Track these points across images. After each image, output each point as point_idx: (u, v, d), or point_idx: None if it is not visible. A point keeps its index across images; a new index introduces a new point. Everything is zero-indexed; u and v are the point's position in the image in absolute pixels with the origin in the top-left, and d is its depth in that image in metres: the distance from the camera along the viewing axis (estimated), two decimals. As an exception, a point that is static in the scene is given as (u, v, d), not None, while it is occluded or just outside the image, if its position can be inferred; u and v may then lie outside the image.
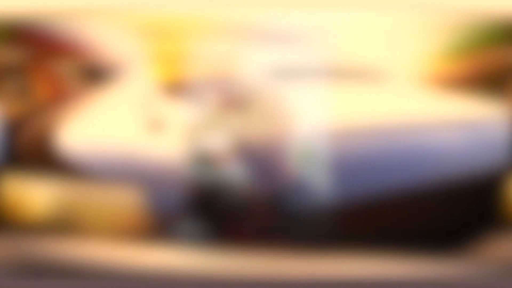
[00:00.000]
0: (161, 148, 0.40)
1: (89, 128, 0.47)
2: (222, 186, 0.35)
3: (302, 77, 0.95)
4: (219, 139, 0.38)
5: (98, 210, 0.34)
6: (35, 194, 0.34)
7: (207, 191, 0.35)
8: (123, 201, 0.34)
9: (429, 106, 0.63)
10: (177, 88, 0.71)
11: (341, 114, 0.53)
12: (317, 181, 0.34)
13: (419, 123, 0.50)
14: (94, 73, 1.30)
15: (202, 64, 0.88)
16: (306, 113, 0.52)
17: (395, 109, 0.59)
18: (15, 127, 0.49)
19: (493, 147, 0.49)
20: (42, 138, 0.44)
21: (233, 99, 0.58)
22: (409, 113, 0.56)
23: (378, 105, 0.61)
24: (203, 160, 0.38)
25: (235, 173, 0.34)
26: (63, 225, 0.33)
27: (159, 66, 0.76)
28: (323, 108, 0.57)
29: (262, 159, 0.34)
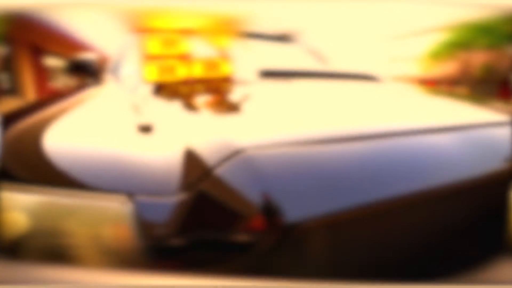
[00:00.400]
0: (152, 152, 0.37)
1: (77, 131, 0.44)
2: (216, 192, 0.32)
3: (293, 78, 0.94)
4: (212, 142, 0.36)
5: (85, 221, 0.32)
6: (21, 205, 0.32)
7: (200, 198, 0.32)
8: (112, 211, 0.32)
9: (426, 109, 0.60)
10: (169, 88, 0.70)
11: (336, 117, 0.48)
12: (310, 187, 0.32)
13: (417, 127, 0.45)
14: (84, 71, 1.27)
15: (196, 64, 0.87)
16: (299, 116, 0.48)
17: (392, 112, 0.54)
18: (3, 128, 0.45)
19: (496, 151, 0.46)
20: (29, 142, 0.41)
21: (225, 100, 0.57)
22: (405, 117, 0.51)
23: (374, 108, 0.57)
24: (196, 165, 0.34)
25: (230, 179, 0.32)
26: (48, 238, 0.31)
27: (151, 66, 0.75)
28: (318, 111, 0.52)
29: (256, 165, 0.32)
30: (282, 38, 1.92)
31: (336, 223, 0.32)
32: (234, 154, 0.32)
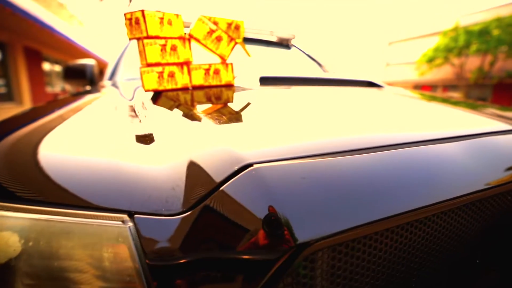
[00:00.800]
0: (153, 166, 0.35)
1: (74, 144, 0.42)
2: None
3: (294, 84, 0.93)
4: (218, 155, 0.34)
5: (83, 242, 0.29)
6: (12, 226, 0.29)
7: (206, 216, 0.30)
8: (111, 231, 0.29)
9: (435, 117, 0.58)
10: (169, 97, 0.68)
11: (343, 127, 0.46)
12: (323, 203, 0.30)
13: (429, 136, 0.43)
14: (82, 77, 1.25)
15: (196, 71, 0.85)
16: (307, 126, 0.46)
17: (401, 121, 0.52)
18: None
19: (501, 160, 0.44)
20: (21, 155, 0.39)
21: (227, 109, 0.55)
22: (416, 126, 0.49)
23: (382, 116, 0.55)
24: (201, 180, 0.32)
25: (237, 195, 0.30)
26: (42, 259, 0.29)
27: (151, 74, 0.73)
28: (325, 120, 0.50)
29: (265, 180, 0.30)
30: (282, 43, 1.93)
31: (350, 241, 0.31)
32: (242, 169, 0.30)
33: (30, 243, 0.28)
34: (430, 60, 12.25)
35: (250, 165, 0.31)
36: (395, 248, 0.34)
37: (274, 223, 0.28)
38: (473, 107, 0.75)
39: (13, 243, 0.28)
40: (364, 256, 0.32)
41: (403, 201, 0.33)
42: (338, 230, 0.29)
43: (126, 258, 0.29)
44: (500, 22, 10.12)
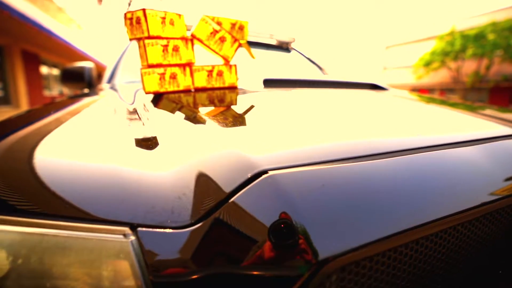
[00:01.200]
0: (157, 174, 0.32)
1: (71, 150, 0.39)
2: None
3: (297, 87, 0.90)
4: (228, 162, 0.31)
5: (80, 258, 0.26)
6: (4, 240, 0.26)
7: (216, 228, 0.27)
8: (112, 245, 0.26)
9: (447, 120, 0.56)
10: (171, 99, 0.66)
11: (356, 131, 0.44)
12: (346, 213, 0.27)
13: (448, 140, 0.41)
14: (80, 80, 1.21)
15: (197, 72, 0.83)
16: (319, 129, 0.44)
17: (416, 124, 0.49)
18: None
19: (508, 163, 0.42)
20: (15, 161, 0.36)
21: (233, 111, 0.53)
22: (432, 129, 0.47)
23: (396, 120, 0.53)
24: (211, 188, 0.29)
25: (251, 205, 0.27)
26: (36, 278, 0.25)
27: (152, 76, 0.71)
28: (338, 124, 0.48)
29: (281, 188, 0.27)
30: (282, 46, 1.92)
31: (375, 254, 0.28)
32: (256, 176, 0.28)
33: (20, 261, 0.25)
34: (427, 64, 12.37)
35: (265, 172, 0.28)
36: (420, 260, 0.32)
37: (293, 236, 0.25)
38: (483, 109, 0.73)
39: (1, 260, 0.25)
40: (388, 270, 0.30)
41: (431, 209, 0.30)
42: (365, 242, 0.26)
43: (128, 275, 0.26)
44: (496, 27, 10.27)
